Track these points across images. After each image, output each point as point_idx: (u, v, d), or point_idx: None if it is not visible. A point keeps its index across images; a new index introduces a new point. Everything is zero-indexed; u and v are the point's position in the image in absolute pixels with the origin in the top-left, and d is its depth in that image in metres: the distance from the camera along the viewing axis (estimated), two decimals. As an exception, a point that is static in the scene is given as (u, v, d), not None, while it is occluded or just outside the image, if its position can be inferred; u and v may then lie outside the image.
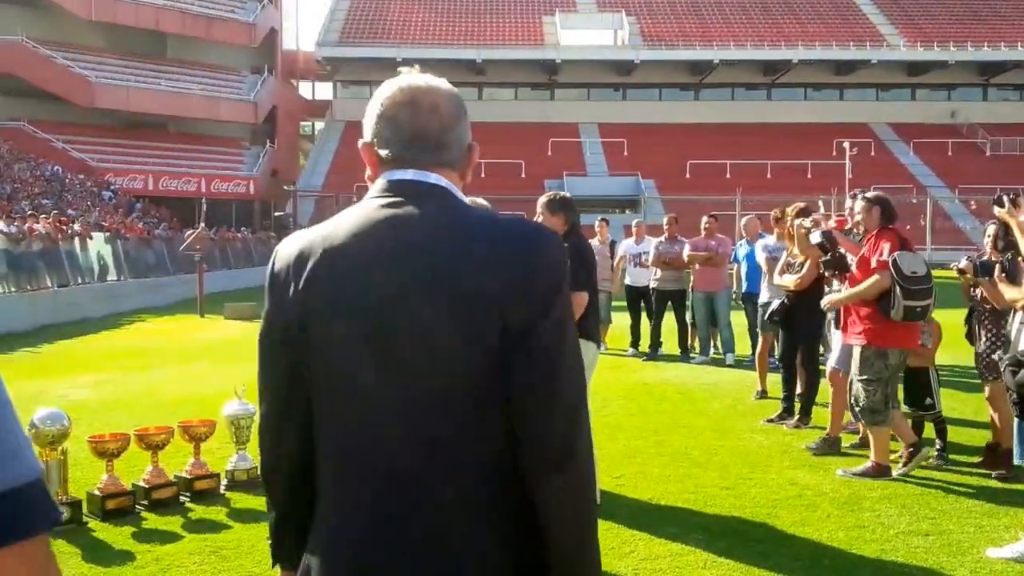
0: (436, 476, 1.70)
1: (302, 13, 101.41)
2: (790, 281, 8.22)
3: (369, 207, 1.81)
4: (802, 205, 8.35)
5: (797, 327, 8.27)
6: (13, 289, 18.89)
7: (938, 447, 7.07)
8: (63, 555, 5.07)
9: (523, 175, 45.93)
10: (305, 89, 66.53)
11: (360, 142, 1.90)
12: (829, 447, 7.34)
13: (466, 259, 1.72)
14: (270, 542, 1.96)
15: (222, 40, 52.04)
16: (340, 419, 1.77)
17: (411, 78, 1.87)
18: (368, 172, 1.89)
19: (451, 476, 1.70)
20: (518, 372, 1.68)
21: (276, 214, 31.82)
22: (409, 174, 1.82)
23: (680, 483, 6.44)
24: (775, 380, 9.13)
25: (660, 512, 5.79)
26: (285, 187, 45.53)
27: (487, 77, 61.01)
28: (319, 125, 65.25)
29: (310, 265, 1.77)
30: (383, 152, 1.85)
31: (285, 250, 1.84)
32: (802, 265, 8.10)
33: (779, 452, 7.33)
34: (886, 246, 6.51)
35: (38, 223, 21.56)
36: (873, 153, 54.74)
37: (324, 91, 66.05)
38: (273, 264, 1.85)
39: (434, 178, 1.82)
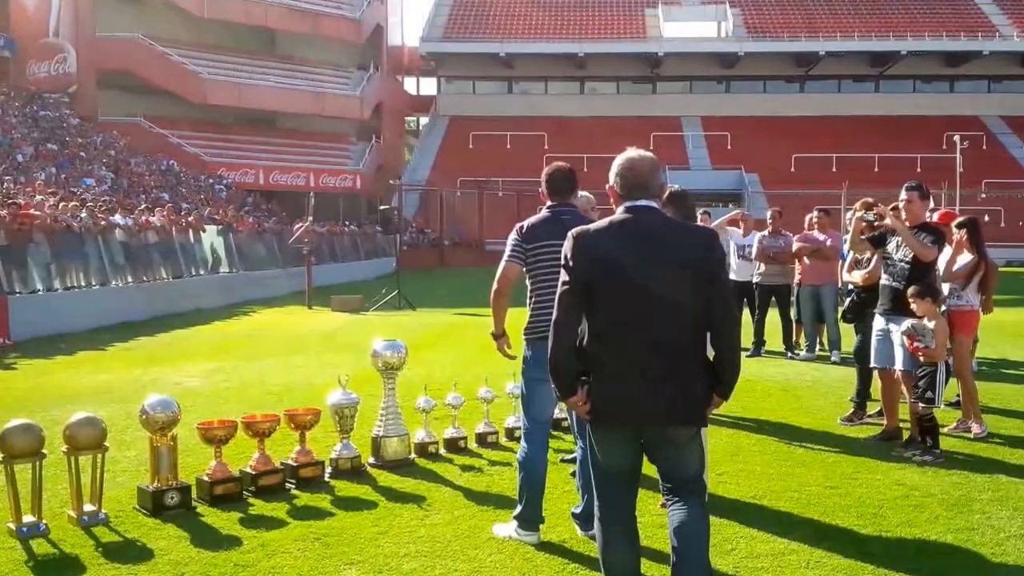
0: (677, 348, 3.63)
1: (407, 9, 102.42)
2: (858, 276, 8.35)
3: (626, 217, 3.70)
4: (869, 200, 8.08)
5: (869, 322, 8.00)
6: (130, 280, 19.52)
7: (928, 444, 7.01)
8: (172, 539, 5.23)
9: (625, 169, 45.63)
10: (410, 84, 67.25)
11: (608, 185, 3.80)
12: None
13: (681, 242, 3.68)
14: (560, 385, 3.76)
15: (329, 36, 52.92)
16: (619, 328, 3.62)
17: (634, 152, 3.80)
18: (612, 201, 3.83)
19: (682, 347, 3.64)
20: (716, 305, 3.65)
21: (381, 208, 32.13)
22: (642, 202, 3.73)
23: (783, 481, 6.35)
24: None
25: (763, 510, 5.72)
26: (391, 181, 46.00)
27: (589, 71, 60.91)
28: (423, 120, 65.89)
29: (598, 244, 3.65)
30: (622, 191, 3.76)
31: (581, 236, 3.69)
32: (869, 260, 8.11)
33: (886, 451, 7.16)
34: None
35: (153, 216, 22.21)
36: (984, 147, 53.16)
37: (428, 86, 66.74)
38: (575, 242, 3.67)
39: (654, 203, 3.77)
